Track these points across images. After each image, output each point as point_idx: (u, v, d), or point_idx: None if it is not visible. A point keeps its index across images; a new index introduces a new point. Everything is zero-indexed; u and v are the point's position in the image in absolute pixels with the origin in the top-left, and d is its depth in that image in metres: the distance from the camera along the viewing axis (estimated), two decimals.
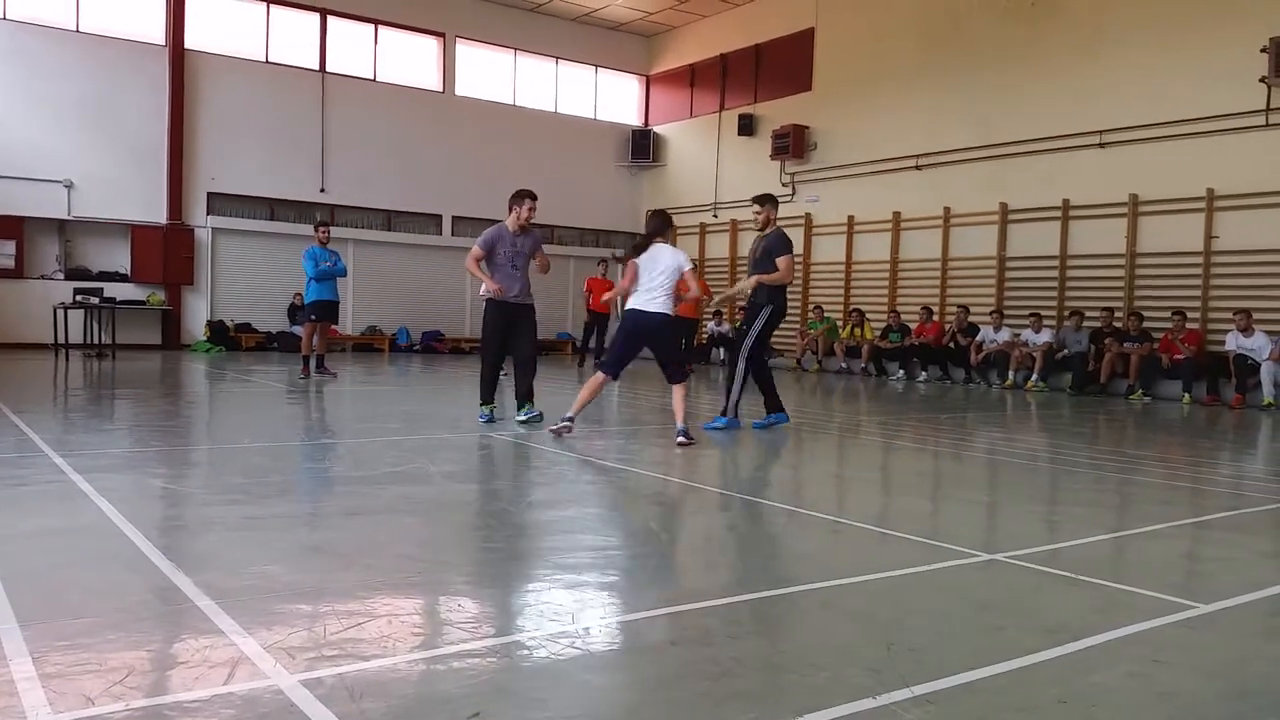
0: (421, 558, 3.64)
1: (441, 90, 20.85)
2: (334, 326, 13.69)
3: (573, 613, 2.98)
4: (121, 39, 17.54)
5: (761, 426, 8.02)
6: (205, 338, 18.01)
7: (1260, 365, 11.90)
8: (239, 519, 4.23)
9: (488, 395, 8.04)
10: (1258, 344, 12.09)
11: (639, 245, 7.28)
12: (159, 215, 17.94)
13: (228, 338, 18.16)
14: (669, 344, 7.54)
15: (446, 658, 2.55)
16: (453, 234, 20.96)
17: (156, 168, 17.89)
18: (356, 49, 19.96)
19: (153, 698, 2.22)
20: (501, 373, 13.91)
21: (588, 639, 2.75)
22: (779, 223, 8.21)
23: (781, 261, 7.80)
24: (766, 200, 8.10)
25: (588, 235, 22.93)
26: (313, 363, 12.22)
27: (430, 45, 20.87)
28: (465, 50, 21.18)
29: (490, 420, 7.81)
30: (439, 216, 20.91)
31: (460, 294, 20.64)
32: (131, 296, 17.54)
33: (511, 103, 21.74)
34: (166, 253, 17.92)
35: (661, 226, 7.35)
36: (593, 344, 16.60)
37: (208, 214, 18.40)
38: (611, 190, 23.00)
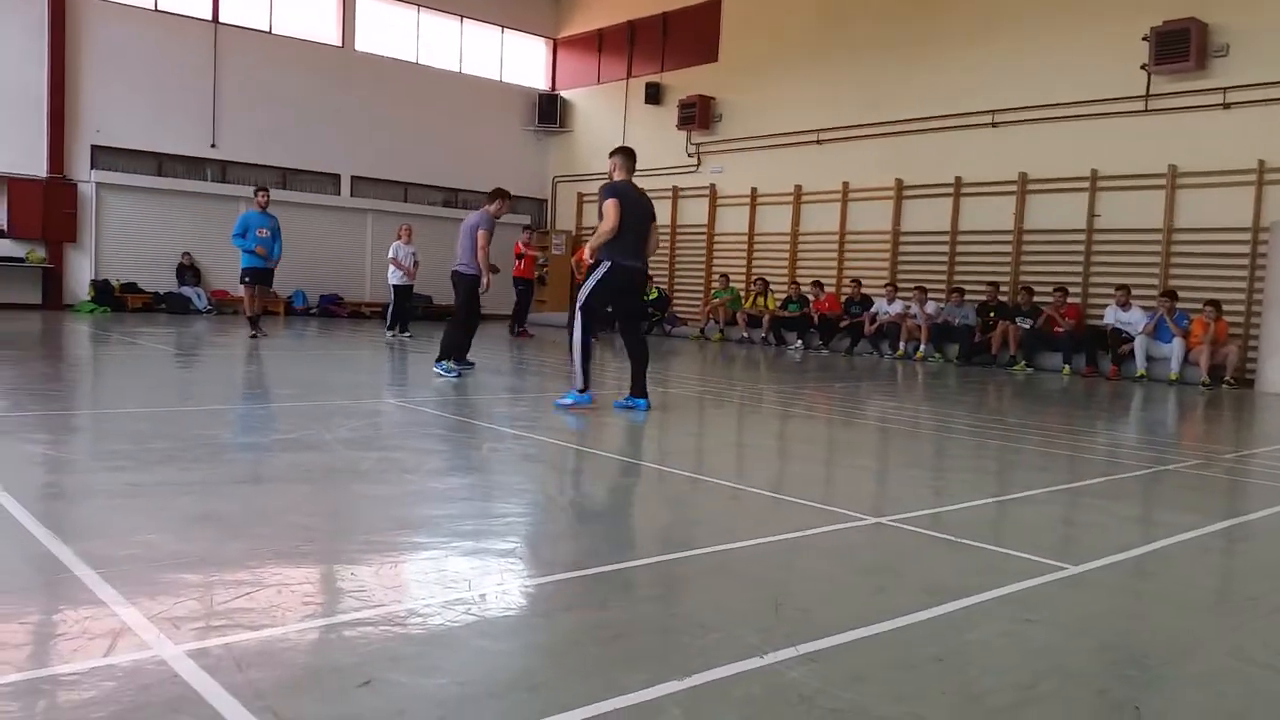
0: (314, 526, 3.58)
1: (341, 45, 20.20)
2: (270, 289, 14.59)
3: (469, 580, 2.98)
4: None
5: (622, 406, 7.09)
6: (89, 298, 17.18)
7: (1135, 338, 12.52)
8: (122, 486, 4.08)
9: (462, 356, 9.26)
10: (1134, 318, 12.72)
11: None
12: (38, 168, 16.99)
13: (113, 298, 17.37)
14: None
15: (338, 626, 2.53)
16: (352, 194, 20.43)
17: (35, 117, 16.91)
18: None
19: (26, 672, 2.14)
20: (407, 334, 14.48)
21: (483, 606, 2.76)
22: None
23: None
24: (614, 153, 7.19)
25: None
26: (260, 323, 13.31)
27: None
28: (366, 4, 20.54)
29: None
30: (337, 176, 20.34)
31: (359, 257, 20.16)
32: (8, 253, 16.62)
33: (414, 60, 21.21)
34: (47, 207, 16.99)
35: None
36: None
37: (92, 168, 17.50)
38: (517, 155, 22.70)
